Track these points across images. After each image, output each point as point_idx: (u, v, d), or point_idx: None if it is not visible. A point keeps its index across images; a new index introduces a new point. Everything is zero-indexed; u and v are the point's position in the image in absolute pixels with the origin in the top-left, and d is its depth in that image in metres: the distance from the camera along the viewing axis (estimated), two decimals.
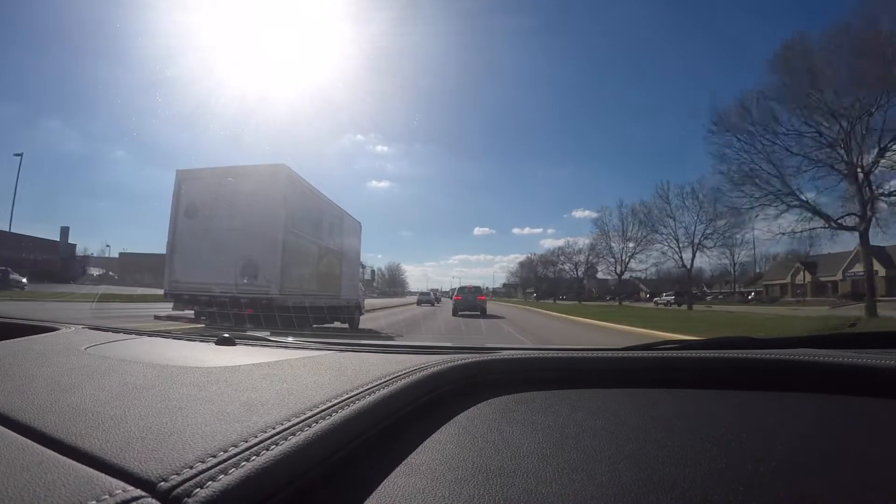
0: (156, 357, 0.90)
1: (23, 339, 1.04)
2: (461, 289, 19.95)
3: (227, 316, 6.20)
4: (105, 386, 0.64)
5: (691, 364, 0.73)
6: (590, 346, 0.93)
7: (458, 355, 0.75)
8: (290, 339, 1.17)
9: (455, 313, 17.21)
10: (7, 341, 0.99)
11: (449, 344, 0.99)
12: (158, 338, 1.17)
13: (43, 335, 1.10)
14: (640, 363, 0.74)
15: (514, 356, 0.76)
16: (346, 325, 9.48)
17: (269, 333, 1.29)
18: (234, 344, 1.03)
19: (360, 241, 11.42)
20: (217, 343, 1.03)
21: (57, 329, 1.20)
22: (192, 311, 6.78)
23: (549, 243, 74.51)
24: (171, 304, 7.09)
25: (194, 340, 1.14)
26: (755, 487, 0.42)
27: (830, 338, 0.87)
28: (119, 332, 1.20)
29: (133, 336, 1.16)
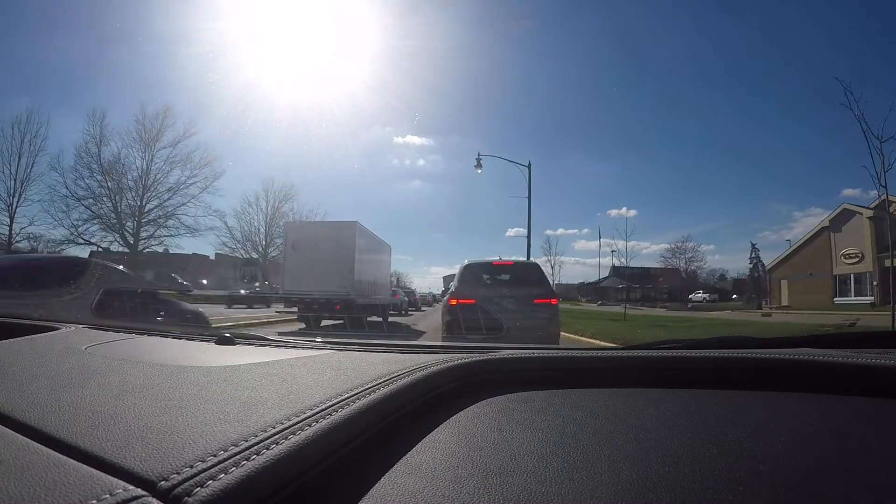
0: (156, 356, 0.90)
1: (23, 338, 1.04)
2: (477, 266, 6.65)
3: (323, 308, 10.99)
4: (105, 385, 0.64)
5: (691, 363, 0.73)
6: (590, 346, 0.93)
7: (458, 355, 0.75)
8: (289, 338, 1.17)
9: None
10: (7, 341, 0.99)
11: (449, 343, 0.99)
12: (158, 337, 1.17)
13: (43, 335, 1.10)
14: (639, 363, 0.74)
15: (514, 355, 0.76)
16: (400, 319, 15.39)
17: (269, 333, 1.29)
18: (233, 343, 1.03)
19: (391, 258, 16.69)
20: (217, 342, 1.03)
21: (57, 329, 1.20)
22: (296, 308, 11.58)
23: (583, 245, 70.94)
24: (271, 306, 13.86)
25: (194, 340, 1.14)
26: (755, 487, 0.42)
27: (830, 338, 0.87)
28: (119, 332, 1.20)
29: (133, 335, 1.16)
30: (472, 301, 5.30)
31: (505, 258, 7.42)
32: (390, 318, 15.11)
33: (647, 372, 0.72)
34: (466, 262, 6.35)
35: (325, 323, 11.15)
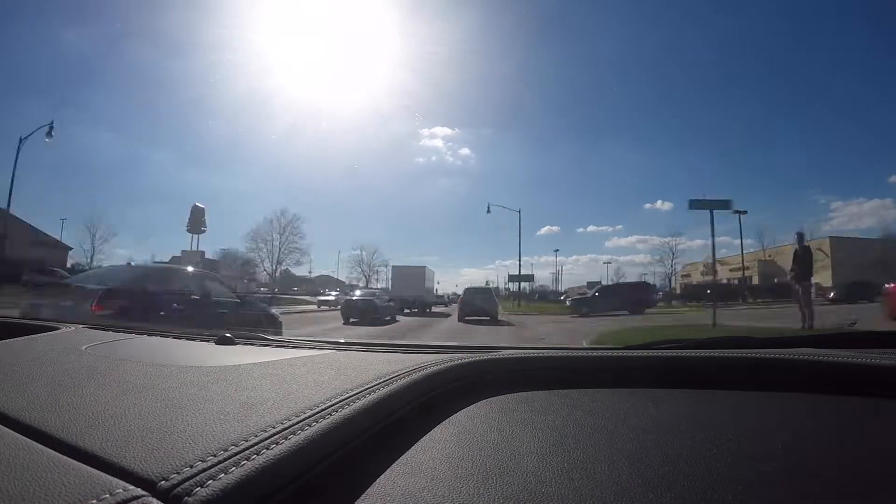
0: (155, 356, 0.90)
1: (23, 338, 1.04)
2: (468, 290, 19.26)
3: (411, 304, 23.82)
4: (105, 385, 0.64)
5: (691, 363, 0.73)
6: (590, 346, 0.94)
7: (458, 355, 0.75)
8: (289, 338, 1.17)
9: (461, 318, 16.57)
10: (7, 341, 0.99)
11: (449, 343, 1.00)
12: (158, 337, 1.17)
13: (43, 335, 1.10)
14: (639, 363, 0.74)
15: (514, 355, 0.76)
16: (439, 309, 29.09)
17: (270, 333, 1.29)
18: (233, 343, 1.03)
19: (434, 278, 31.59)
20: (217, 342, 1.03)
21: (57, 329, 1.20)
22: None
23: (615, 243, 65.69)
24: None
25: (194, 340, 1.14)
26: (755, 487, 0.42)
27: (830, 337, 0.87)
28: (119, 332, 1.20)
29: (133, 335, 1.16)
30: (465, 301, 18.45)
31: (475, 286, 22.16)
32: (434, 309, 28.07)
33: (647, 372, 0.72)
34: (466, 287, 20.57)
35: (406, 311, 22.54)
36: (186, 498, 0.35)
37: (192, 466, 0.38)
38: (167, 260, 28.48)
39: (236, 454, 0.40)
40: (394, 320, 16.64)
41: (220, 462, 0.39)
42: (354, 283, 48.92)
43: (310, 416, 0.48)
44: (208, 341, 1.08)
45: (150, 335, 1.19)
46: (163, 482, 0.36)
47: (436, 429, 0.55)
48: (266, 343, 1.09)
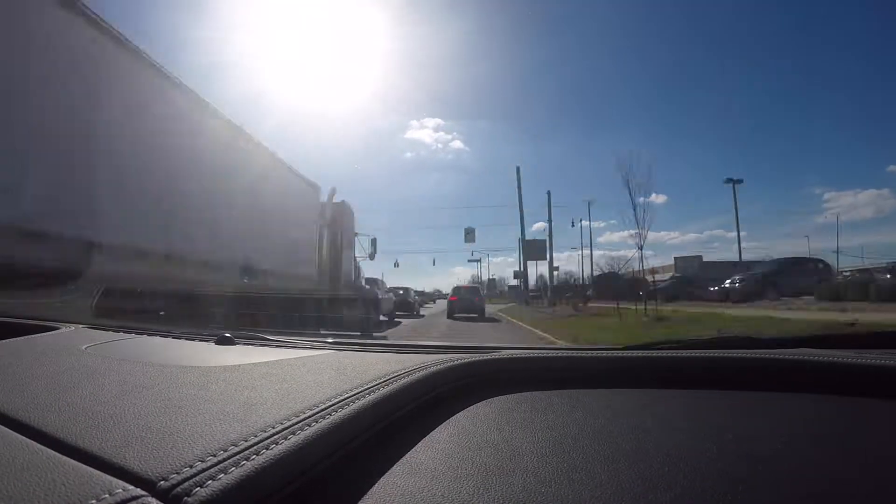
0: (155, 356, 0.90)
1: (23, 338, 1.04)
2: (457, 289, 19.37)
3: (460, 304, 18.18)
4: (105, 385, 0.64)
5: (691, 363, 0.73)
6: (590, 346, 0.94)
7: (458, 355, 0.75)
8: (289, 338, 1.17)
9: (450, 315, 16.64)
10: (7, 340, 0.99)
11: (449, 343, 1.00)
12: (158, 337, 1.17)
13: (43, 334, 1.10)
14: (639, 363, 0.74)
15: (514, 356, 0.76)
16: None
17: (269, 333, 1.29)
18: (233, 343, 1.03)
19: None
20: (217, 342, 1.03)
21: (57, 328, 1.20)
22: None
23: (607, 238, 64.87)
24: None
25: (194, 340, 1.14)
26: (755, 487, 0.42)
27: (830, 338, 0.87)
28: (119, 332, 1.20)
29: (133, 335, 1.16)
30: (455, 298, 18.27)
31: (463, 284, 23.87)
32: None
33: (647, 372, 0.72)
34: (455, 286, 21.07)
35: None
36: (186, 498, 0.35)
37: (191, 466, 0.38)
38: None
39: (236, 454, 0.40)
40: None
41: (219, 462, 0.39)
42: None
43: (310, 416, 0.48)
44: (208, 341, 1.08)
45: (150, 335, 1.19)
46: (162, 482, 0.36)
47: (436, 429, 0.55)
48: (266, 343, 1.09)
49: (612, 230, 62.49)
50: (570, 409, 0.60)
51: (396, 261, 40.93)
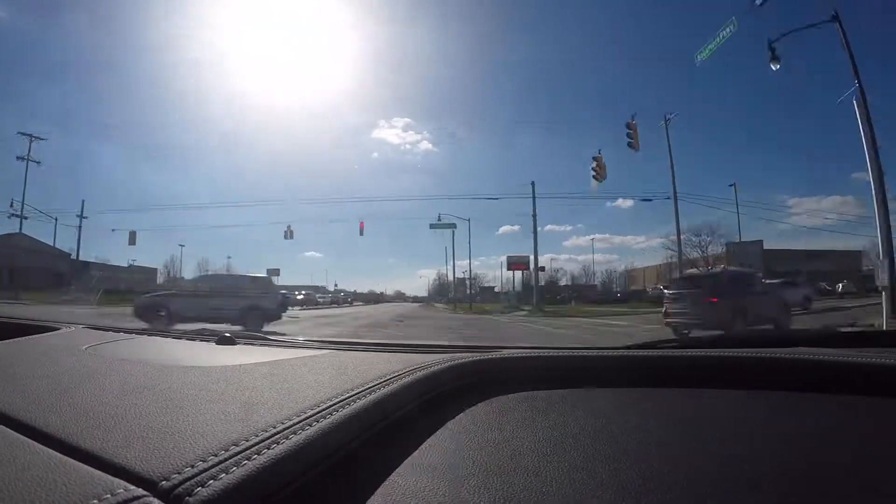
0: (156, 357, 0.91)
1: (23, 338, 1.04)
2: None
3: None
4: (106, 385, 0.64)
5: (691, 363, 0.73)
6: (590, 346, 0.94)
7: (459, 354, 0.75)
8: (290, 338, 1.17)
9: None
10: (8, 341, 0.99)
11: (449, 343, 1.00)
12: (158, 337, 1.17)
13: (43, 335, 1.10)
14: (639, 362, 0.74)
15: (515, 355, 0.76)
16: None
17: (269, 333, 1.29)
18: (234, 343, 1.03)
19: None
20: (217, 342, 1.03)
21: (57, 329, 1.21)
22: None
23: (573, 242, 65.57)
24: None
25: (195, 340, 1.15)
26: (755, 487, 0.42)
27: (830, 336, 0.87)
28: (119, 332, 1.20)
29: (133, 336, 1.17)
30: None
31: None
32: None
33: (647, 371, 0.72)
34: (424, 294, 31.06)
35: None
36: (188, 498, 0.35)
37: (193, 466, 0.38)
38: None
39: (237, 454, 0.40)
40: None
41: (221, 462, 0.39)
42: None
43: (311, 416, 0.48)
44: (209, 341, 1.08)
45: (150, 335, 1.19)
46: (164, 482, 0.36)
47: (437, 428, 0.55)
48: (267, 343, 1.09)
49: (577, 234, 62.44)
50: (570, 409, 0.60)
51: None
